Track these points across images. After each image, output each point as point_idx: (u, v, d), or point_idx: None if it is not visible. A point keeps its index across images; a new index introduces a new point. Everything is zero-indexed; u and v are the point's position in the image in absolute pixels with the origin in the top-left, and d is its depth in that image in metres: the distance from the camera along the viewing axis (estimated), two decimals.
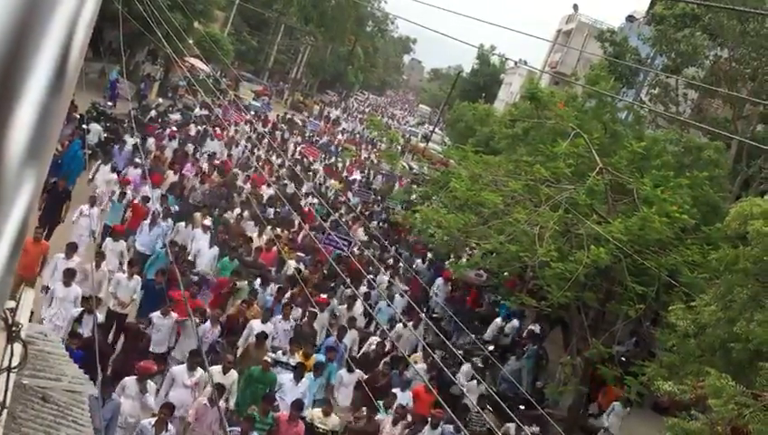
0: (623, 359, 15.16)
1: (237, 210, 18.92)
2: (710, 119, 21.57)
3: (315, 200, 22.36)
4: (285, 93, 60.60)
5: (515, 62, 48.22)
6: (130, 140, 20.37)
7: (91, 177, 17.39)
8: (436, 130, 54.43)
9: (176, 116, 29.40)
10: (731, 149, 19.14)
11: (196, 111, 31.28)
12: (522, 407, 12.88)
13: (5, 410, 3.14)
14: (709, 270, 11.27)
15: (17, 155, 0.57)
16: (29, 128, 0.58)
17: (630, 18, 37.56)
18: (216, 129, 27.67)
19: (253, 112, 37.74)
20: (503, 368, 14.13)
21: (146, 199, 16.13)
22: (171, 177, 19.37)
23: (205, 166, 21.74)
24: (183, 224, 16.26)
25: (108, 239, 14.06)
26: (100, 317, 11.09)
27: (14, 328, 3.34)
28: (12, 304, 4.08)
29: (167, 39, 17.86)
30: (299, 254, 17.39)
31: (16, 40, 0.54)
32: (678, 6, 20.13)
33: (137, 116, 23.80)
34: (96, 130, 20.55)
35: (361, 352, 13.89)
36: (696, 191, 14.15)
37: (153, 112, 28.21)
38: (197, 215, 16.67)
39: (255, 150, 26.91)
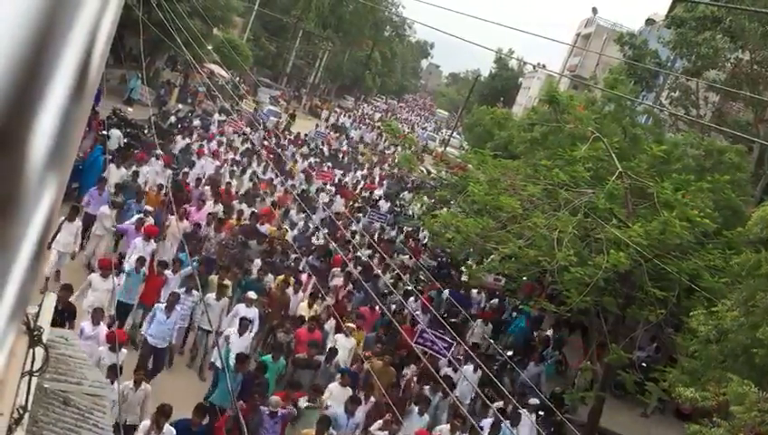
0: (644, 365, 15.02)
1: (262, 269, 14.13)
2: (731, 122, 21.36)
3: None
4: (304, 98, 60.86)
5: (534, 66, 48.10)
6: (116, 173, 16.59)
7: (55, 232, 12.32)
8: (455, 134, 54.44)
9: (196, 122, 29.58)
10: (753, 153, 18.93)
11: (216, 116, 31.38)
12: (541, 413, 12.80)
13: (27, 414, 3.17)
14: (731, 275, 11.15)
15: (39, 160, 0.57)
16: (51, 133, 0.59)
17: (650, 21, 37.35)
18: (204, 145, 23.95)
19: (264, 121, 34.05)
20: (522, 373, 14.05)
21: (162, 266, 12.20)
22: (173, 224, 14.33)
23: (214, 206, 16.81)
24: (213, 296, 11.98)
25: (101, 349, 9.50)
26: None
27: (35, 332, 3.38)
28: (34, 308, 4.12)
29: (186, 45, 18.02)
30: (353, 326, 12.96)
31: (38, 47, 0.55)
32: (698, 9, 19.95)
33: (157, 121, 23.95)
34: (116, 137, 20.73)
35: None
36: (717, 195, 13.99)
37: (173, 118, 28.47)
38: (227, 284, 12.74)
39: (256, 168, 23.27)
